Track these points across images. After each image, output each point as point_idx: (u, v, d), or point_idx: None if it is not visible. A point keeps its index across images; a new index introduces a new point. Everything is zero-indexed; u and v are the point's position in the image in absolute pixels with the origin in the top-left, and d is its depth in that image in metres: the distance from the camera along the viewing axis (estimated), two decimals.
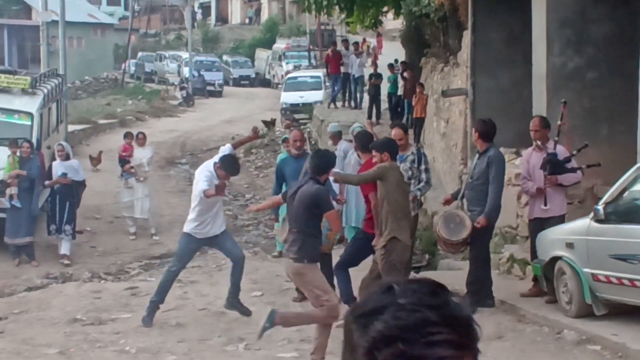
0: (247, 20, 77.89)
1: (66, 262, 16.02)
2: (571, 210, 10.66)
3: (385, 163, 9.15)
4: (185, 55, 54.20)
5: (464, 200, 10.50)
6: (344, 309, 8.39)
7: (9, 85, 18.28)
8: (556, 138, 10.46)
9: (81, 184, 16.73)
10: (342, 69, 28.98)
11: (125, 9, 77.69)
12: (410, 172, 10.95)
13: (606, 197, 9.30)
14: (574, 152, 10.42)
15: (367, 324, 1.74)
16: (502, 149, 11.58)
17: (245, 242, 17.26)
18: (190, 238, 10.58)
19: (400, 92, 25.06)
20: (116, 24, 71.53)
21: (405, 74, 24.31)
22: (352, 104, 29.19)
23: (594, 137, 11.70)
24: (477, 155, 10.45)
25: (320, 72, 37.16)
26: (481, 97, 15.63)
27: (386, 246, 9.08)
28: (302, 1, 27.56)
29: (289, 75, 40.95)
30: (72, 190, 16.23)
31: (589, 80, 12.74)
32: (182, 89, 47.98)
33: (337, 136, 16.78)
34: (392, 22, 37.28)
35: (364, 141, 10.63)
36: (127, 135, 19.15)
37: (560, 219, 10.30)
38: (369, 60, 34.80)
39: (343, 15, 28.37)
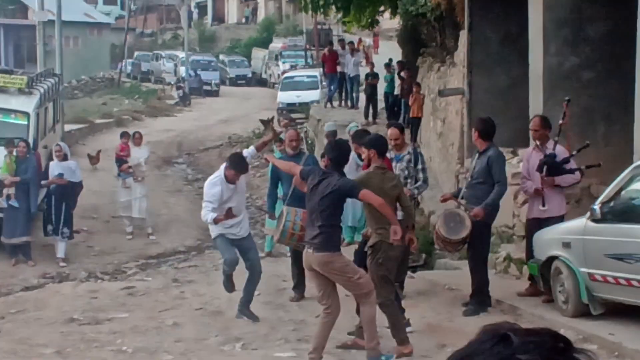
0: (243, 20, 77.86)
1: (62, 264, 16.02)
2: (568, 209, 10.66)
3: (369, 170, 9.11)
4: (181, 54, 54.16)
5: (464, 199, 10.50)
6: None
7: (6, 85, 18.26)
8: (556, 138, 10.43)
9: (78, 185, 16.72)
10: (339, 69, 28.96)
11: (122, 8, 77.59)
12: (406, 172, 10.93)
13: (603, 197, 9.31)
14: (574, 152, 10.41)
15: None
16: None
17: None
18: (222, 238, 10.47)
19: (397, 91, 25.04)
20: (113, 23, 71.43)
21: (402, 74, 24.29)
22: (349, 103, 29.19)
23: (590, 137, 11.70)
24: (476, 155, 10.44)
25: (316, 72, 37.16)
26: (478, 96, 15.65)
27: (373, 246, 9.11)
28: (299, 1, 27.60)
29: (286, 75, 40.93)
30: (69, 191, 16.22)
31: (586, 79, 12.76)
32: (178, 88, 47.96)
33: (331, 135, 16.83)
34: (389, 22, 37.28)
35: (363, 137, 10.57)
36: (124, 135, 19.12)
37: (559, 220, 10.28)
38: (364, 60, 34.81)
39: (340, 15, 28.35)
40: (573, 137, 10.90)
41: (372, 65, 29.20)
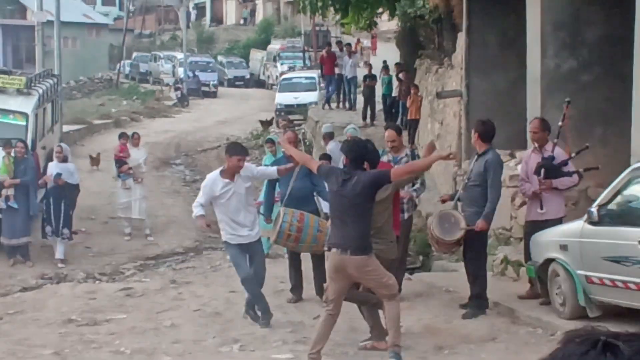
0: (241, 21, 77.91)
1: (60, 265, 16.02)
2: (566, 213, 10.66)
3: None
4: (180, 55, 54.20)
5: (459, 201, 10.50)
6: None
7: (4, 86, 18.27)
8: (555, 140, 10.43)
9: (75, 187, 16.72)
10: (337, 70, 28.98)
11: (120, 9, 77.65)
12: None
13: (600, 200, 9.32)
14: (573, 155, 10.42)
15: None
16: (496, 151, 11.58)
17: None
18: (235, 249, 10.13)
19: (395, 93, 25.07)
20: (111, 24, 71.42)
21: (400, 76, 24.32)
22: (347, 105, 29.19)
23: (588, 139, 11.70)
24: (475, 157, 10.44)
25: (314, 73, 37.16)
26: (476, 98, 15.66)
27: None
28: (297, 2, 27.62)
29: (284, 76, 40.94)
30: (66, 192, 16.22)
31: (583, 82, 12.77)
32: (176, 89, 47.96)
33: (328, 137, 16.88)
34: (387, 24, 37.29)
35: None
36: (122, 136, 19.07)
37: (557, 222, 10.27)
38: (362, 61, 34.83)
39: (338, 17, 28.38)
40: (571, 139, 10.91)
41: (370, 67, 29.22)
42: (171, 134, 35.23)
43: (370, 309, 9.11)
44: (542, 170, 10.20)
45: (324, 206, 12.86)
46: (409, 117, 22.01)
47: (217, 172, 10.08)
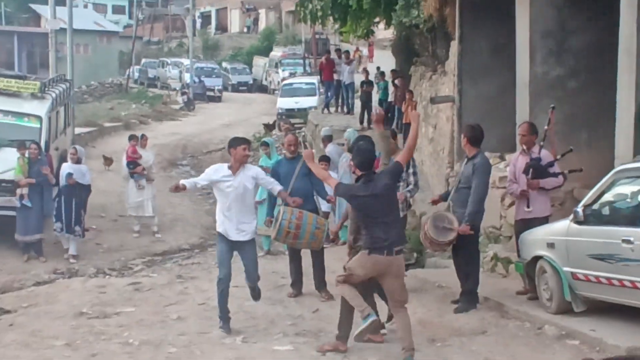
0: (245, 29, 77.89)
1: (72, 260, 16.02)
2: (552, 212, 10.67)
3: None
4: (186, 62, 54.20)
5: (451, 202, 10.49)
6: None
7: (19, 90, 18.27)
8: (542, 143, 10.46)
9: (86, 188, 16.73)
10: (335, 77, 29.00)
11: (130, 17, 77.71)
12: None
13: (585, 200, 9.32)
14: (558, 157, 10.43)
15: None
16: (486, 153, 11.58)
17: None
18: (222, 244, 9.81)
19: (390, 98, 25.06)
20: (121, 31, 71.48)
21: (396, 82, 24.31)
22: (345, 109, 29.21)
23: (574, 143, 11.69)
24: (465, 160, 10.45)
25: (314, 79, 37.13)
26: (467, 104, 15.65)
27: (354, 248, 9.12)
28: (298, 11, 27.56)
29: (285, 82, 40.89)
30: (77, 191, 16.23)
31: (570, 88, 12.76)
32: (183, 94, 47.98)
33: (327, 139, 16.90)
34: (384, 32, 37.26)
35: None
36: (132, 138, 19.03)
37: (544, 221, 10.30)
38: (360, 67, 34.83)
39: (337, 25, 28.36)
40: (557, 143, 10.91)
41: (367, 73, 29.21)
42: (178, 136, 35.22)
43: (348, 312, 8.98)
44: (530, 170, 10.22)
45: (323, 205, 12.89)
46: (404, 121, 21.98)
47: (225, 164, 9.87)
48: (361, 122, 25.77)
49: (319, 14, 25.48)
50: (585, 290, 9.24)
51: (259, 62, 60.15)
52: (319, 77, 33.06)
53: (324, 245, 11.24)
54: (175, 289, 12.46)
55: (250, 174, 9.74)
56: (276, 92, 44.75)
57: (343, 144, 15.91)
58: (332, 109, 29.70)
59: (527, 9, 12.69)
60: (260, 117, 38.57)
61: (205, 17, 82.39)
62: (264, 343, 9.29)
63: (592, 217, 9.11)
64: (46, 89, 18.82)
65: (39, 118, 17.69)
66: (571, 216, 9.37)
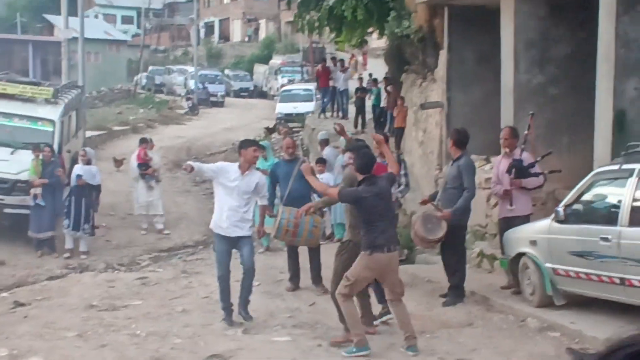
0: (246, 39, 77.84)
1: (83, 256, 16.01)
2: (534, 211, 10.69)
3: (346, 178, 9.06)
4: (191, 69, 54.08)
5: (439, 202, 10.53)
6: None
7: (34, 95, 18.26)
8: (523, 146, 10.50)
9: (96, 188, 16.73)
10: (331, 83, 29.00)
11: (138, 27, 77.61)
12: None
13: (566, 200, 9.34)
14: (538, 159, 10.47)
15: None
16: (473, 156, 11.59)
17: None
18: (220, 243, 9.77)
19: (383, 104, 25.05)
20: (129, 40, 71.42)
21: (388, 88, 24.29)
22: (340, 114, 29.21)
23: (555, 146, 11.74)
24: (451, 162, 10.48)
25: (311, 86, 37.12)
26: (455, 109, 15.67)
27: (343, 243, 9.11)
28: (297, 22, 27.52)
29: (284, 88, 40.88)
30: (87, 191, 16.23)
31: (551, 95, 12.79)
32: (188, 99, 47.91)
33: (324, 143, 16.90)
34: (377, 42, 37.22)
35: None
36: (143, 141, 18.94)
37: (525, 219, 10.34)
38: (356, 74, 34.80)
39: (332, 35, 28.33)
40: (537, 146, 10.94)
41: (361, 80, 29.20)
42: (183, 139, 35.17)
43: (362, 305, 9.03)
44: (513, 171, 10.26)
45: None
46: (395, 126, 21.95)
47: (236, 163, 9.75)
48: (355, 126, 25.77)
49: (316, 24, 25.46)
50: (566, 285, 9.26)
51: (260, 69, 60.11)
52: (315, 83, 33.05)
53: (321, 243, 11.25)
54: (180, 283, 12.46)
55: (255, 179, 9.69)
56: (276, 97, 44.68)
57: (338, 147, 15.92)
58: (328, 114, 29.68)
59: (511, 20, 12.71)
60: (260, 122, 38.53)
61: (209, 27, 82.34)
62: (263, 334, 9.30)
63: (572, 217, 9.14)
64: (59, 94, 18.81)
65: (52, 122, 17.69)
66: (552, 215, 9.40)
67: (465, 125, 11.90)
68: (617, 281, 8.41)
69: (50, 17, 62.56)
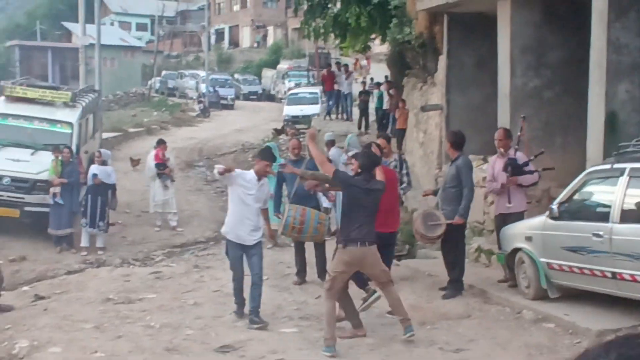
0: (255, 44, 77.88)
1: (99, 252, 16.04)
2: (530, 208, 10.70)
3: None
4: (202, 73, 54.20)
5: (439, 200, 10.56)
6: None
7: (53, 99, 18.30)
8: (516, 146, 10.52)
9: (111, 187, 16.76)
10: (336, 87, 29.02)
11: (152, 34, 77.66)
12: None
13: (560, 198, 9.34)
14: (532, 158, 10.48)
15: None
16: (471, 156, 11.59)
17: None
18: (232, 249, 9.56)
19: (385, 106, 25.06)
20: (144, 46, 71.46)
21: (390, 92, 24.31)
22: (344, 116, 29.24)
23: (550, 146, 11.74)
24: (450, 163, 10.50)
25: (317, 89, 37.12)
26: (454, 111, 15.66)
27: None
28: (303, 29, 27.56)
29: (291, 92, 40.88)
30: (102, 190, 16.25)
31: (546, 98, 12.78)
32: (199, 102, 47.94)
33: (330, 144, 16.89)
34: (379, 47, 37.22)
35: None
36: (161, 143, 18.90)
37: (520, 215, 10.36)
38: (360, 78, 34.82)
39: (337, 41, 28.35)
40: (530, 146, 10.96)
41: (365, 84, 29.20)
42: (195, 141, 35.19)
43: (348, 304, 8.96)
44: (509, 168, 10.28)
45: (324, 202, 12.89)
46: (397, 127, 21.96)
47: (251, 171, 9.64)
48: (359, 128, 25.79)
49: (321, 31, 25.50)
50: (560, 279, 9.26)
51: (268, 73, 60.15)
52: (321, 87, 33.07)
53: (325, 238, 11.26)
54: (192, 277, 12.47)
55: (266, 190, 9.67)
56: (283, 100, 44.71)
57: (343, 147, 15.92)
58: (333, 116, 29.73)
59: (508, 27, 12.70)
60: (268, 124, 38.53)
61: (219, 34, 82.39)
62: (271, 326, 9.31)
63: (566, 213, 9.14)
64: (77, 98, 18.83)
65: (70, 124, 17.71)
66: (547, 212, 9.40)
67: (464, 126, 11.91)
68: (609, 275, 8.41)
69: (68, 25, 62.68)
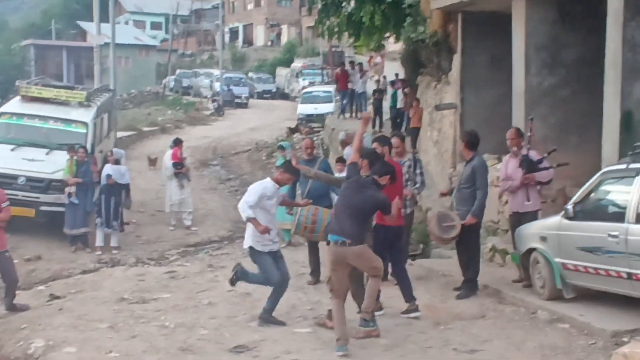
0: (269, 43, 77.99)
1: (114, 251, 16.10)
2: (545, 208, 10.67)
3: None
4: (216, 72, 54.26)
5: (454, 200, 10.55)
6: None
7: (68, 99, 18.38)
8: (528, 146, 10.48)
9: (125, 186, 16.82)
10: (350, 86, 29.00)
11: (166, 32, 77.87)
12: (407, 175, 10.99)
13: (575, 198, 9.30)
14: (545, 155, 10.46)
15: None
16: (485, 155, 11.57)
17: None
18: (264, 256, 9.40)
19: (399, 105, 25.01)
20: (158, 45, 71.67)
21: (405, 90, 24.26)
22: (358, 115, 29.19)
23: (565, 145, 11.71)
24: (464, 163, 10.48)
25: (331, 88, 37.13)
26: (468, 110, 15.64)
27: None
28: (317, 27, 27.54)
29: (305, 90, 40.91)
30: (116, 190, 16.32)
31: (561, 97, 12.74)
32: (214, 101, 48.09)
33: (344, 143, 16.87)
34: (393, 46, 37.04)
35: (385, 141, 10.34)
36: (177, 142, 18.86)
37: (535, 214, 10.35)
38: (375, 76, 34.75)
39: (351, 40, 28.31)
40: (545, 145, 10.93)
41: (378, 82, 29.17)
42: (209, 139, 35.28)
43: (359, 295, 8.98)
44: (525, 164, 10.26)
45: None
46: (411, 126, 21.91)
47: (268, 180, 9.51)
48: (373, 127, 25.73)
49: (335, 29, 25.46)
50: (575, 279, 9.22)
51: (282, 72, 60.20)
52: (335, 86, 33.05)
53: None
54: (206, 277, 12.49)
55: (279, 198, 9.66)
56: (297, 99, 44.76)
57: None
58: (347, 115, 29.70)
59: (523, 25, 12.67)
60: (283, 122, 38.58)
61: (234, 32, 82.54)
62: (285, 326, 9.31)
63: (581, 214, 9.10)
64: (91, 98, 18.91)
65: (85, 124, 17.78)
66: (562, 212, 9.36)
67: (478, 125, 11.89)
68: (624, 275, 8.37)
69: (83, 24, 62.89)
